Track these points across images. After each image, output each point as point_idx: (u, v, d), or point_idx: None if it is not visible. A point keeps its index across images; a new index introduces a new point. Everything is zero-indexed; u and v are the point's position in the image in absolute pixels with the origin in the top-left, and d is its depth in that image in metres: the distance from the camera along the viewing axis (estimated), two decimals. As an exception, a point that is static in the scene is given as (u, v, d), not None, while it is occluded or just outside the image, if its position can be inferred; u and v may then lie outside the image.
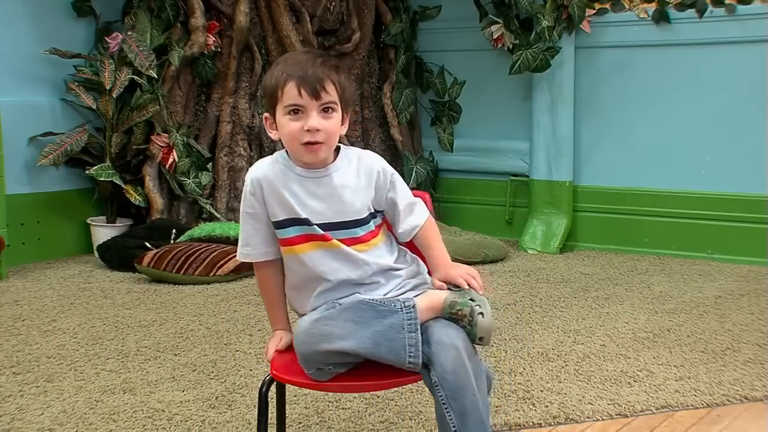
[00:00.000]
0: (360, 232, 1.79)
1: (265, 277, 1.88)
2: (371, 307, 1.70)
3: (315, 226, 1.77)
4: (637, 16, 4.66)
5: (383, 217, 1.87)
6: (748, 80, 4.41)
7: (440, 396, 1.65)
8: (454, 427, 1.65)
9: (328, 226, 1.77)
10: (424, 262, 1.90)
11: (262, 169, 1.81)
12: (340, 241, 1.77)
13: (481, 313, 1.67)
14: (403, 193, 1.84)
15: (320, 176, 1.79)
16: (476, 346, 1.71)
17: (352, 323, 1.68)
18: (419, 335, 1.66)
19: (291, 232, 1.79)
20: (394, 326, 1.67)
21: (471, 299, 1.69)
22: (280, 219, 1.79)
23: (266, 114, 1.82)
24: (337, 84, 1.76)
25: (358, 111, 5.11)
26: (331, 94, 1.75)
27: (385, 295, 1.78)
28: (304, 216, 1.77)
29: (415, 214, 1.84)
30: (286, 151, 1.83)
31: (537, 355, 2.89)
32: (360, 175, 1.81)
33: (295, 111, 1.74)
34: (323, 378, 1.74)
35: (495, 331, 1.70)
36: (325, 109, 1.74)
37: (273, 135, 1.81)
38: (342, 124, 1.79)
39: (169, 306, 3.53)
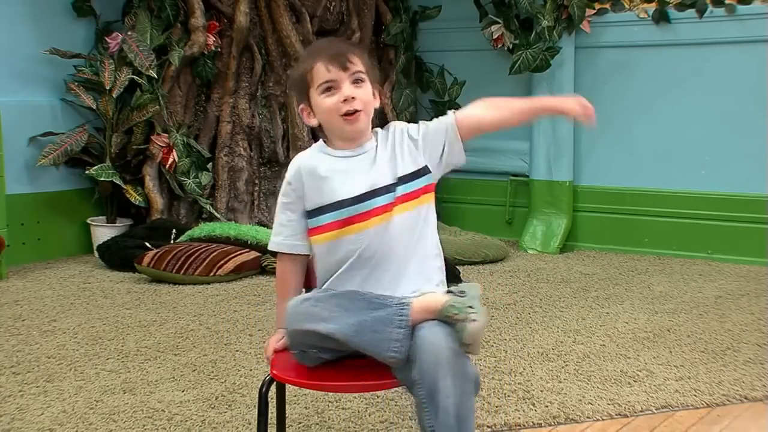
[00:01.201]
0: (390, 198, 1.79)
1: (286, 269, 1.89)
2: (364, 299, 1.71)
3: (348, 209, 1.79)
4: (637, 16, 4.66)
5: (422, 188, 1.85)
6: (748, 80, 4.41)
7: (420, 394, 1.65)
8: (431, 426, 1.65)
9: (366, 196, 1.79)
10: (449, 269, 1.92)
11: (302, 158, 1.87)
12: (366, 213, 1.78)
13: (474, 320, 1.64)
14: (431, 123, 1.86)
15: (359, 154, 1.83)
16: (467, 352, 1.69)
17: (341, 309, 1.69)
18: (407, 332, 1.66)
19: (327, 218, 1.81)
20: (382, 319, 1.67)
21: (470, 306, 1.67)
22: (318, 206, 1.81)
23: (302, 105, 1.86)
24: (360, 56, 1.83)
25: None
26: (358, 65, 1.81)
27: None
28: (341, 198, 1.79)
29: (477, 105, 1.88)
30: (323, 141, 1.88)
31: (537, 355, 2.89)
32: (386, 147, 1.84)
33: (329, 88, 1.80)
34: (308, 363, 1.76)
35: (481, 342, 1.68)
36: (356, 81, 1.81)
37: (312, 122, 1.86)
38: (374, 98, 1.85)
39: (169, 306, 3.53)
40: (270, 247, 1.89)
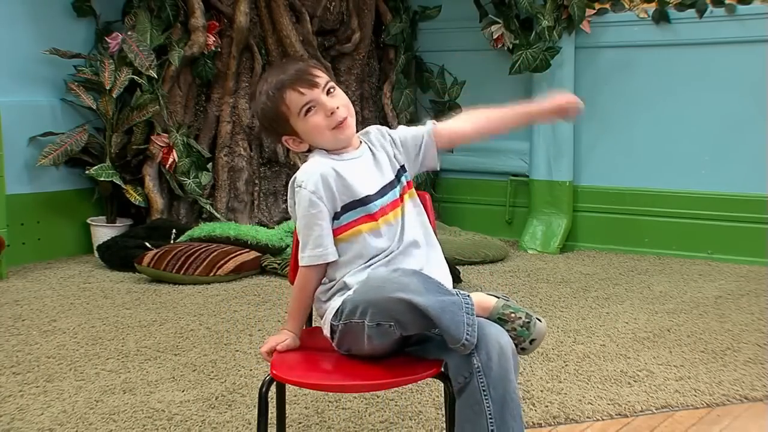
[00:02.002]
0: (398, 192, 1.89)
1: (313, 279, 1.87)
2: (435, 282, 1.73)
3: (375, 203, 1.84)
4: (637, 16, 4.66)
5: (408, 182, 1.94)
6: (748, 80, 4.41)
7: (482, 382, 1.67)
8: (490, 415, 1.67)
9: (384, 190, 1.86)
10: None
11: (316, 166, 1.84)
12: (387, 206, 1.85)
13: (539, 319, 1.76)
14: (410, 128, 1.96)
15: (361, 155, 1.89)
16: (520, 351, 1.76)
17: (423, 286, 1.69)
18: (476, 320, 1.68)
19: (355, 214, 1.83)
20: (455, 303, 1.69)
21: (520, 309, 1.77)
22: (350, 201, 1.83)
23: (284, 137, 1.89)
24: (318, 68, 1.88)
25: (358, 111, 5.11)
26: (323, 76, 1.85)
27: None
28: (365, 194, 1.84)
29: (460, 119, 1.96)
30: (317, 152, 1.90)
31: (537, 355, 2.89)
32: (378, 147, 1.92)
33: (309, 109, 1.83)
34: (377, 339, 1.72)
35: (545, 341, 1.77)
36: (329, 91, 1.85)
37: (302, 148, 1.89)
38: None
39: (169, 306, 3.53)
40: (314, 261, 1.83)
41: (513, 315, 1.75)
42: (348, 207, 1.83)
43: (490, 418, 1.67)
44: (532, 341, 1.75)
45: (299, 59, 1.93)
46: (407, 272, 1.73)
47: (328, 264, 1.86)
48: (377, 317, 1.70)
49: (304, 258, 1.84)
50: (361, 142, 1.93)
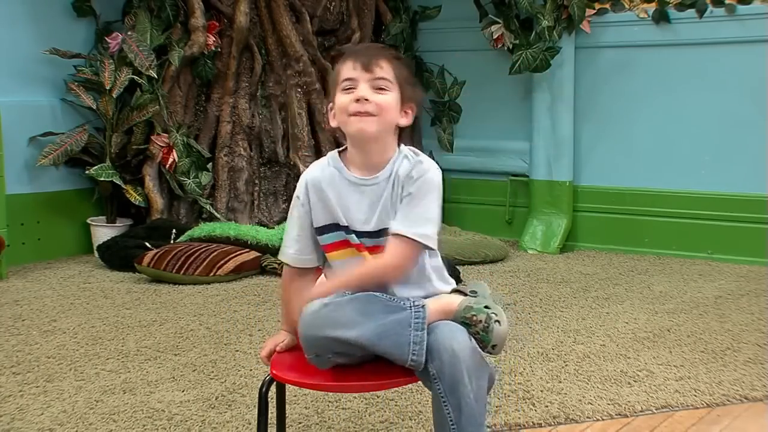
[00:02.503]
0: (385, 239, 1.76)
1: (289, 278, 1.87)
2: (380, 302, 1.70)
3: (353, 234, 1.77)
4: (637, 16, 4.66)
5: None
6: (748, 80, 4.41)
7: (438, 389, 1.66)
8: (451, 420, 1.66)
9: (367, 234, 1.77)
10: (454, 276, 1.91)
11: (311, 173, 1.83)
12: (374, 248, 1.77)
13: (498, 321, 1.70)
14: (406, 214, 1.74)
15: (369, 184, 1.78)
16: (486, 354, 1.72)
17: (359, 314, 1.67)
18: (425, 335, 1.66)
19: (330, 238, 1.80)
20: (400, 322, 1.66)
21: (486, 306, 1.71)
22: (322, 225, 1.80)
23: (330, 104, 1.82)
24: (393, 65, 1.77)
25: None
26: (384, 71, 1.75)
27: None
28: (344, 223, 1.78)
29: (388, 249, 1.73)
30: (338, 153, 1.83)
31: (537, 355, 2.89)
32: (394, 188, 1.78)
33: (349, 87, 1.75)
34: (321, 365, 1.73)
35: (508, 341, 1.71)
36: (378, 88, 1.74)
37: (334, 123, 1.80)
38: (403, 112, 1.79)
39: (169, 306, 3.53)
40: (280, 257, 1.87)
41: (475, 318, 1.70)
42: (324, 229, 1.80)
43: (452, 425, 1.66)
44: (494, 346, 1.70)
45: (390, 50, 1.79)
46: (340, 304, 1.68)
47: (324, 270, 1.85)
48: (313, 350, 1.71)
49: (281, 253, 1.87)
50: (385, 169, 1.78)
